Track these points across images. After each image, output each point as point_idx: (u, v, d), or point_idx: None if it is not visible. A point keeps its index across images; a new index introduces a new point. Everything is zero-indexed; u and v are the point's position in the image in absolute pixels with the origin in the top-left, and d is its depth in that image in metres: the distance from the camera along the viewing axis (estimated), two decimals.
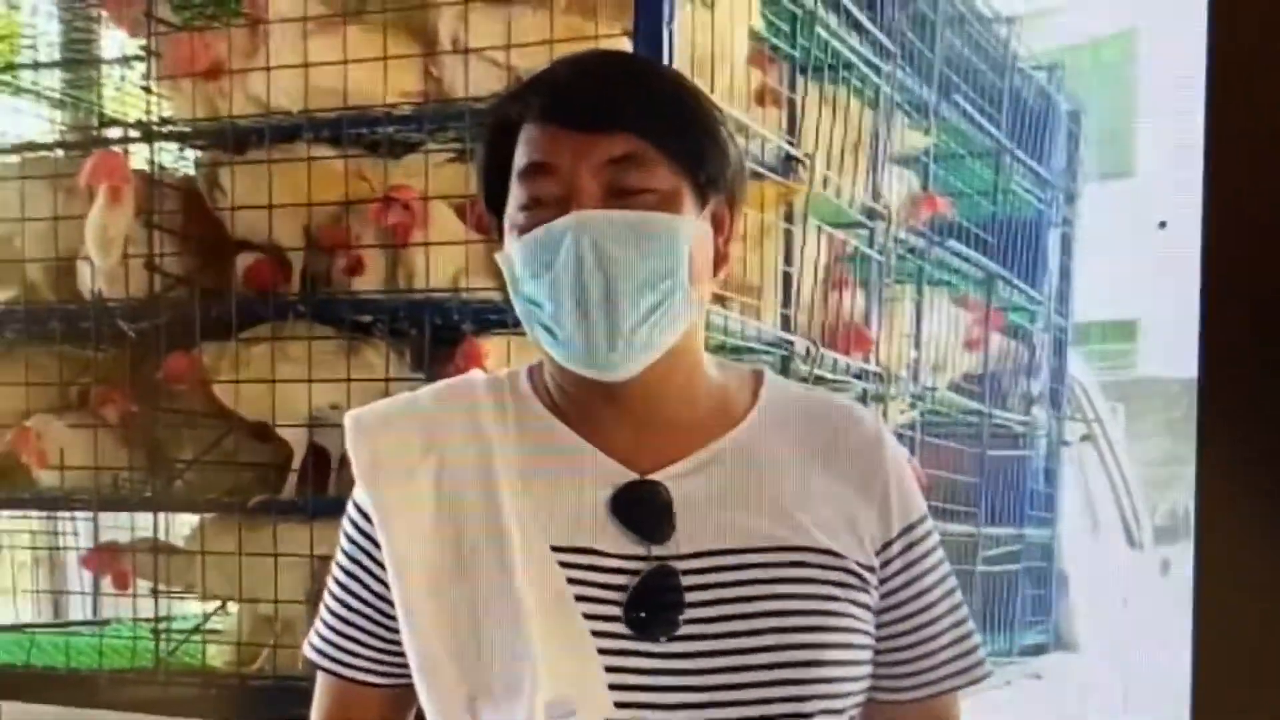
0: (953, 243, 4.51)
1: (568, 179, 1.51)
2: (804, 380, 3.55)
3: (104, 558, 3.50)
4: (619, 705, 1.50)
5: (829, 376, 3.70)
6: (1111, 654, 5.60)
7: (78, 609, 4.08)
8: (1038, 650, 5.26)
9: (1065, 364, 5.52)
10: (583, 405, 1.60)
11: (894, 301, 4.23)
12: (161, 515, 3.45)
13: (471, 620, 1.54)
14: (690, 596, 1.53)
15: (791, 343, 3.52)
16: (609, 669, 1.51)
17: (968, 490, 4.67)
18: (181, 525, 3.57)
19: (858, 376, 3.90)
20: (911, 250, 4.29)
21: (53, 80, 4.12)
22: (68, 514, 3.68)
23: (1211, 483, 1.01)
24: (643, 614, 1.52)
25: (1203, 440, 1.01)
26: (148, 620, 3.45)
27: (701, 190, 1.55)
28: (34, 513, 3.72)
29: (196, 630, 3.48)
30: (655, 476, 1.57)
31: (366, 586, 1.64)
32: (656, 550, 1.54)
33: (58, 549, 3.90)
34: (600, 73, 1.62)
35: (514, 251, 1.55)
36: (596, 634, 1.52)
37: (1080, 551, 5.59)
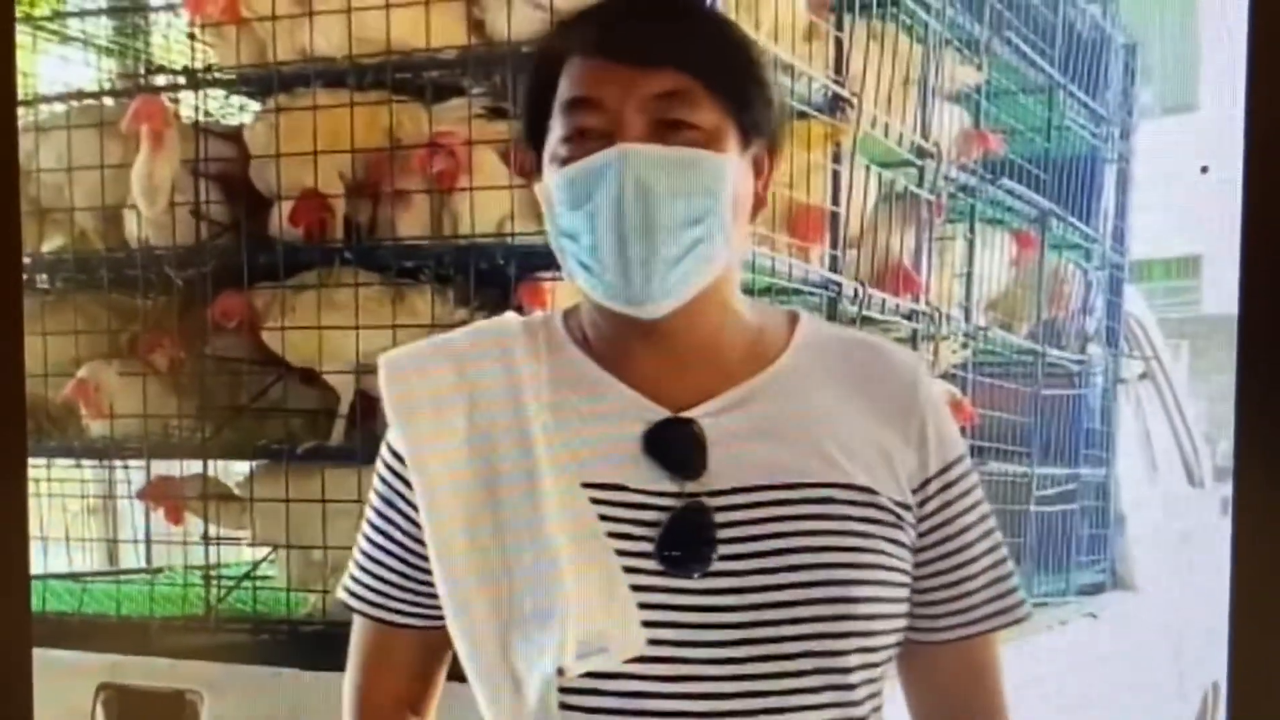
0: (1005, 180, 4.46)
1: (613, 113, 1.51)
2: (851, 321, 3.53)
3: (159, 490, 3.52)
4: (651, 642, 1.50)
5: (877, 317, 3.68)
6: (1169, 593, 5.56)
7: (130, 558, 4.12)
8: (1095, 589, 5.23)
9: (1121, 301, 5.46)
10: (617, 344, 1.60)
11: (946, 240, 4.19)
12: (212, 462, 3.47)
13: (503, 558, 1.54)
14: (722, 533, 1.52)
15: (839, 284, 3.51)
16: (641, 606, 1.50)
17: (1021, 430, 4.64)
18: (233, 474, 3.59)
19: (907, 317, 3.88)
20: (963, 188, 4.26)
21: (100, 28, 4.12)
22: (120, 462, 3.69)
23: (1251, 423, 0.97)
24: (675, 551, 1.51)
25: (1243, 380, 0.97)
26: (199, 567, 3.48)
27: (745, 132, 1.55)
28: (86, 461, 3.74)
29: (247, 577, 3.52)
30: (689, 414, 1.56)
31: (399, 528, 1.64)
32: (690, 487, 1.53)
33: (112, 497, 3.92)
34: (649, 8, 1.61)
35: (553, 183, 1.54)
36: (628, 570, 1.52)
37: (1139, 490, 5.55)
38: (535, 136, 1.59)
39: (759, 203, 1.60)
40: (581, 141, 1.52)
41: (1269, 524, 0.97)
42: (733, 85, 1.54)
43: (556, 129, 1.55)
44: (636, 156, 1.49)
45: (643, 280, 1.51)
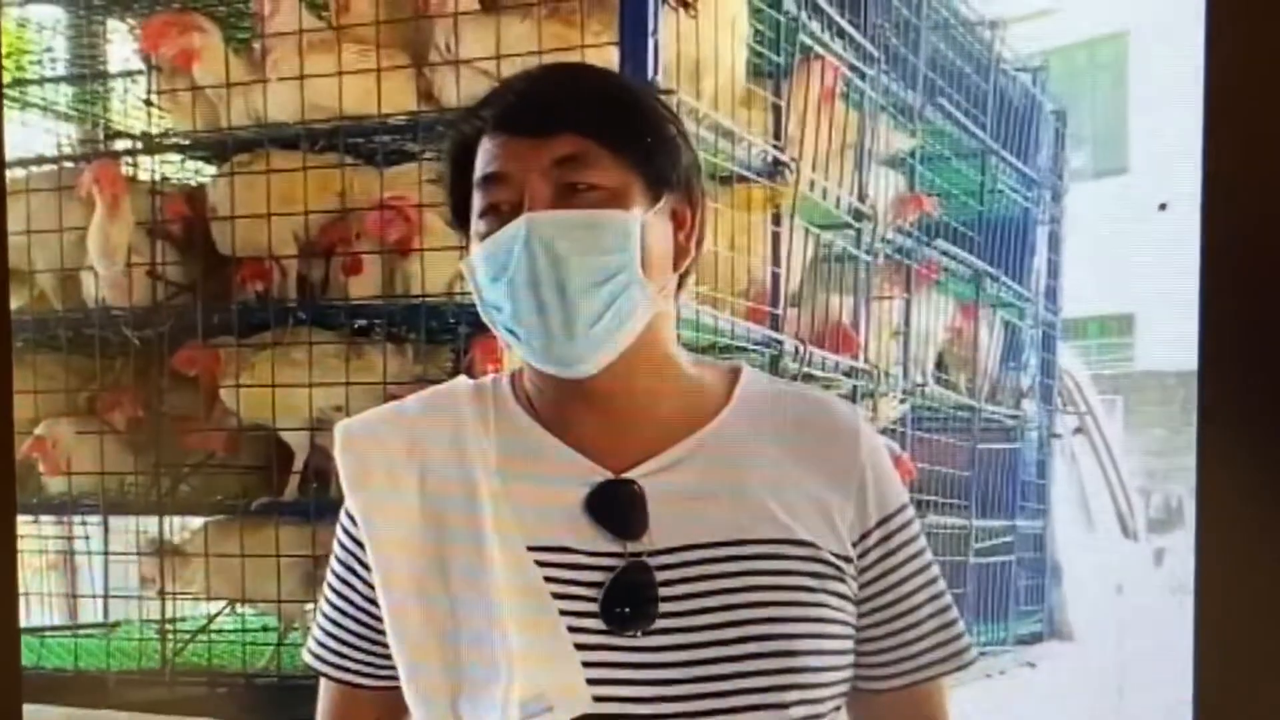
0: (940, 242, 4.58)
1: (519, 184, 1.55)
2: (794, 378, 3.62)
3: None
4: (597, 699, 1.53)
5: (818, 374, 3.78)
6: (1106, 643, 5.66)
7: (88, 613, 4.15)
8: (1032, 639, 5.32)
9: (1055, 358, 5.59)
10: (558, 406, 1.63)
11: (883, 299, 4.30)
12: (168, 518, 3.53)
13: (453, 621, 1.58)
14: (665, 591, 1.55)
15: (781, 342, 3.60)
16: (586, 664, 1.53)
17: (959, 483, 4.73)
18: (189, 528, 3.65)
19: (847, 374, 3.97)
20: (899, 250, 4.37)
21: (59, 94, 4.20)
22: (78, 518, 3.75)
23: (1210, 472, 0.99)
24: (619, 610, 1.54)
25: (1203, 427, 0.99)
26: (155, 621, 3.53)
27: (653, 186, 1.58)
28: (45, 517, 3.79)
29: (202, 630, 3.57)
30: (629, 474, 1.59)
31: (357, 591, 1.69)
32: (632, 547, 1.56)
33: (70, 553, 3.96)
34: (544, 81, 1.67)
35: (474, 258, 1.59)
36: (573, 630, 1.54)
37: (1074, 542, 5.66)
38: (461, 217, 1.63)
39: (681, 254, 1.62)
40: (496, 216, 1.56)
41: (1230, 573, 1.02)
42: (631, 142, 1.57)
43: (474, 207, 1.59)
44: (540, 223, 1.52)
45: (565, 341, 1.54)
